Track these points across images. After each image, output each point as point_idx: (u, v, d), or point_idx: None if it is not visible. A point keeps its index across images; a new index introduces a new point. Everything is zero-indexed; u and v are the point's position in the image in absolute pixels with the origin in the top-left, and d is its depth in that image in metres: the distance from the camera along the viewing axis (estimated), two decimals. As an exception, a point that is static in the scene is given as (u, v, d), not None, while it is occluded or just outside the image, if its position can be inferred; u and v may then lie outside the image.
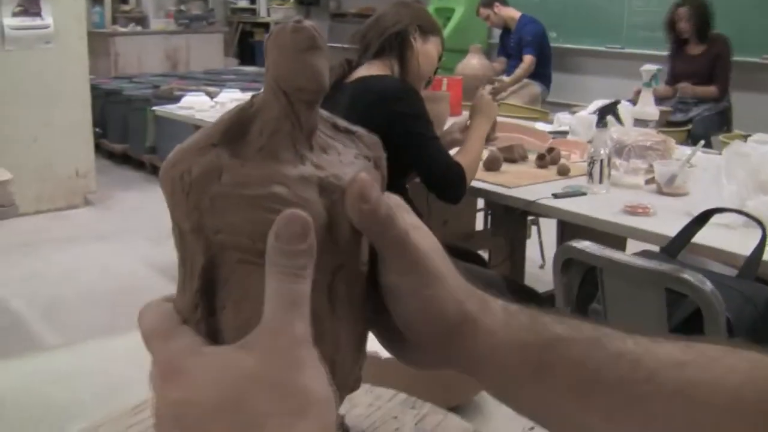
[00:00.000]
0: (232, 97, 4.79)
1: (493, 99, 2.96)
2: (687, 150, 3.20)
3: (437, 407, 0.66)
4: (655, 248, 2.38)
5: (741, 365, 0.50)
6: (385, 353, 0.56)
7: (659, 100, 5.02)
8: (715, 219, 2.25)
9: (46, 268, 4.74)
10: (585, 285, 2.19)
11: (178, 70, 10.05)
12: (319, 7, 12.04)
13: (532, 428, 0.54)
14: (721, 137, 4.19)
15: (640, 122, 3.55)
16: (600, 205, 2.62)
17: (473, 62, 6.75)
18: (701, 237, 2.22)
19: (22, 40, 5.68)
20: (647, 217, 2.48)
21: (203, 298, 0.47)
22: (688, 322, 1.94)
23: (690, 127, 5.62)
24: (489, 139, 2.85)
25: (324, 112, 0.52)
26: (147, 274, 4.64)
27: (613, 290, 2.10)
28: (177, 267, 0.49)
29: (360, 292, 0.52)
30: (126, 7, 11.03)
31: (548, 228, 4.27)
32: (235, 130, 0.48)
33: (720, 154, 3.09)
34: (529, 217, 3.77)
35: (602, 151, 2.76)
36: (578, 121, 3.77)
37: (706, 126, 5.61)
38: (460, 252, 2.99)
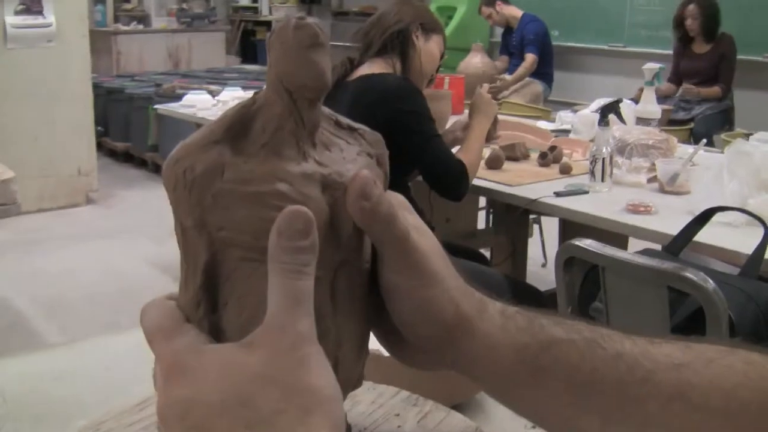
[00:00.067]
0: (233, 96, 4.79)
1: (493, 97, 2.96)
2: (689, 148, 3.20)
3: (440, 405, 0.66)
4: (657, 247, 2.38)
5: (738, 366, 0.50)
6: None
7: (662, 98, 5.01)
8: (717, 217, 2.25)
9: (48, 267, 4.74)
10: (587, 283, 2.19)
11: (180, 68, 10.06)
12: (321, 5, 12.03)
13: (534, 426, 0.54)
14: (723, 136, 4.19)
15: (642, 121, 3.54)
16: (602, 203, 2.62)
17: (475, 61, 6.75)
18: (703, 235, 2.22)
19: (24, 39, 5.68)
20: (649, 215, 2.48)
21: (206, 295, 0.47)
22: (691, 321, 1.94)
23: (692, 125, 5.62)
24: (491, 138, 2.85)
25: (326, 110, 0.52)
26: (149, 273, 4.64)
27: (615, 289, 2.09)
28: (179, 265, 0.49)
29: (362, 289, 0.52)
30: (128, 6, 11.03)
31: (550, 227, 4.26)
32: (237, 127, 0.48)
33: (722, 152, 3.09)
34: (531, 216, 3.77)
35: (604, 150, 2.76)
36: (580, 120, 3.77)
37: (709, 124, 5.61)
38: (462, 250, 2.99)
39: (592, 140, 3.18)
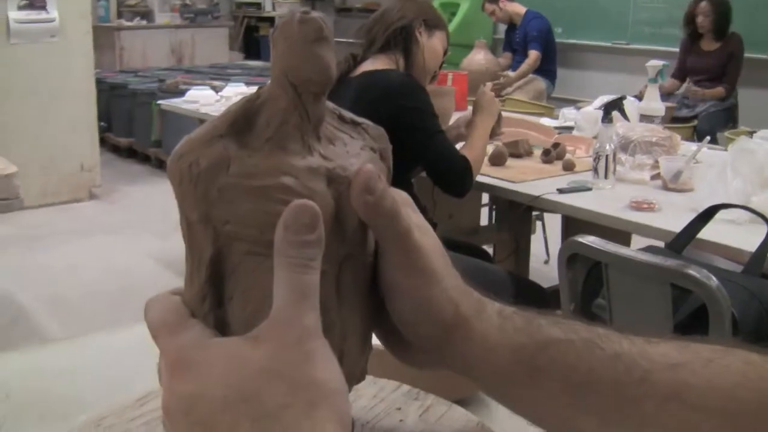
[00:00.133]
0: (237, 91, 4.79)
1: (496, 94, 2.96)
2: (693, 146, 3.19)
3: (441, 399, 0.66)
4: (660, 244, 2.38)
5: (736, 365, 0.50)
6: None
7: (665, 95, 5.01)
8: (721, 215, 2.25)
9: (50, 262, 4.74)
10: (590, 280, 2.19)
11: (183, 64, 10.06)
12: (324, 1, 12.02)
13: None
14: (726, 133, 4.18)
15: (645, 118, 3.54)
16: (605, 200, 2.62)
17: (478, 57, 6.75)
18: (706, 233, 2.22)
19: (27, 34, 5.68)
20: (652, 212, 2.48)
21: (211, 290, 0.47)
22: (693, 318, 1.94)
23: (696, 123, 5.62)
24: (494, 134, 2.85)
25: (330, 104, 0.52)
26: (152, 268, 4.64)
27: (618, 286, 2.09)
28: (182, 261, 0.49)
29: (367, 283, 0.52)
30: (131, 1, 11.01)
31: (553, 223, 4.26)
32: (242, 121, 0.48)
33: (725, 150, 3.08)
34: (534, 213, 3.77)
35: (607, 147, 2.75)
36: (584, 117, 3.77)
37: (712, 122, 5.61)
38: (465, 247, 2.99)
39: (595, 137, 3.18)
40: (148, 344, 0.46)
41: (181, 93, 5.32)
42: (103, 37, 9.04)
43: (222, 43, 11.02)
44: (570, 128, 3.84)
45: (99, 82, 6.71)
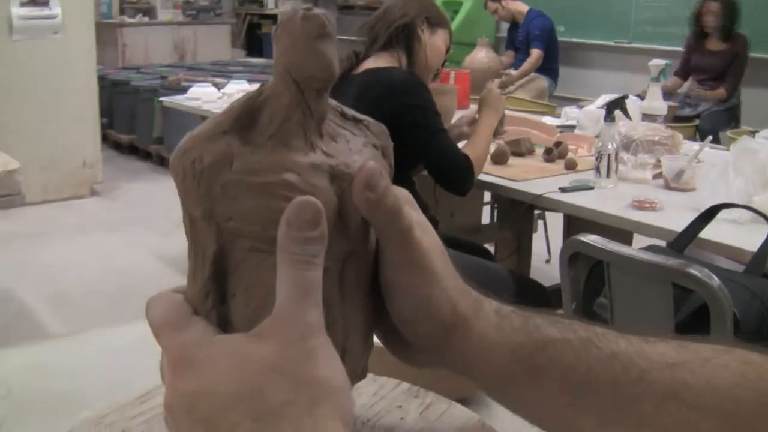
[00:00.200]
0: (239, 89, 4.79)
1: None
2: (695, 145, 3.19)
3: (441, 397, 0.66)
4: (662, 243, 2.38)
5: (735, 365, 0.50)
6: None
7: (668, 94, 5.01)
8: (723, 214, 2.25)
9: (52, 258, 4.75)
10: (591, 279, 2.19)
11: (186, 61, 10.07)
12: (327, -1, 12.04)
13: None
14: (728, 133, 4.18)
15: (648, 117, 3.53)
16: (607, 199, 2.62)
17: (481, 56, 6.74)
18: (708, 232, 2.22)
19: (29, 30, 5.68)
20: (654, 212, 2.48)
21: (214, 287, 0.47)
22: (695, 318, 1.94)
23: (698, 122, 5.62)
24: (497, 133, 2.85)
25: (332, 101, 0.52)
26: (153, 265, 4.65)
27: (620, 285, 2.09)
28: (183, 258, 0.49)
29: (369, 280, 0.52)
30: (134, -2, 11.05)
31: (554, 222, 4.26)
32: (245, 118, 0.48)
33: (728, 149, 3.08)
34: (536, 211, 3.77)
35: (610, 146, 2.75)
36: (586, 116, 3.77)
37: (714, 121, 5.61)
38: (466, 245, 2.99)
39: (597, 136, 3.18)
40: (149, 342, 0.46)
41: (183, 90, 5.32)
42: (106, 33, 9.04)
43: (224, 40, 11.03)
44: (572, 127, 3.84)
45: (101, 79, 6.71)
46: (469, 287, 0.54)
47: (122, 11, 10.56)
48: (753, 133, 3.43)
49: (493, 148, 3.02)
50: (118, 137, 7.81)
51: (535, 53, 6.65)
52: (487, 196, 4.22)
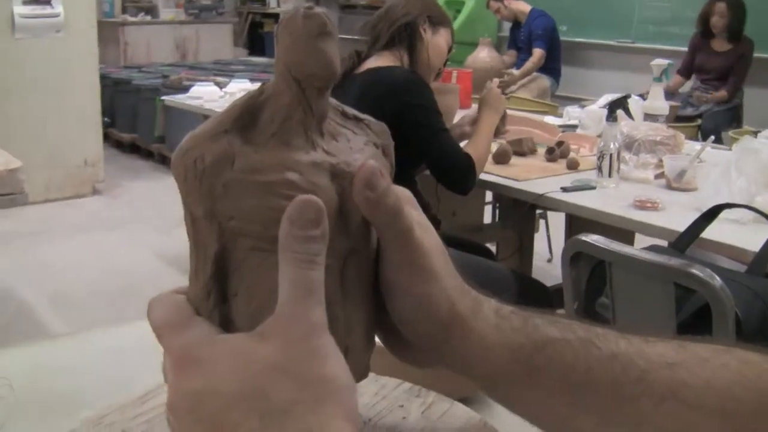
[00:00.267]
0: (240, 88, 4.79)
1: (501, 92, 2.95)
2: (697, 145, 3.19)
3: (443, 396, 0.66)
4: (664, 243, 2.38)
5: (734, 365, 0.50)
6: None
7: (670, 94, 5.01)
8: (725, 214, 2.25)
9: (53, 257, 4.75)
10: (593, 279, 2.19)
11: (188, 60, 10.07)
12: (329, -2, 12.04)
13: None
14: (731, 133, 4.18)
15: (650, 117, 3.53)
16: (609, 199, 2.62)
17: (483, 55, 6.74)
18: (710, 232, 2.21)
19: (32, 29, 5.69)
20: (656, 211, 2.47)
21: (216, 286, 0.47)
22: (697, 318, 1.93)
23: (700, 122, 5.62)
24: (499, 132, 2.85)
25: (333, 100, 0.52)
26: (155, 264, 4.65)
27: (622, 285, 2.09)
28: (184, 257, 0.49)
29: (370, 278, 0.52)
30: (136, -3, 11.06)
31: (556, 222, 4.26)
32: (246, 117, 0.48)
33: (730, 149, 3.08)
34: (538, 211, 3.77)
35: (612, 146, 2.75)
36: (588, 115, 3.76)
37: (717, 121, 5.61)
38: (468, 245, 2.99)
39: (599, 136, 3.18)
40: (150, 342, 0.46)
41: (185, 89, 5.33)
42: (108, 32, 9.05)
43: (226, 39, 11.04)
44: (574, 127, 3.83)
45: (103, 78, 6.72)
46: (468, 287, 0.54)
47: (124, 10, 10.57)
48: (755, 133, 3.43)
49: (495, 147, 3.02)
50: (119, 136, 7.81)
51: (537, 53, 6.65)
52: (488, 195, 4.22)
